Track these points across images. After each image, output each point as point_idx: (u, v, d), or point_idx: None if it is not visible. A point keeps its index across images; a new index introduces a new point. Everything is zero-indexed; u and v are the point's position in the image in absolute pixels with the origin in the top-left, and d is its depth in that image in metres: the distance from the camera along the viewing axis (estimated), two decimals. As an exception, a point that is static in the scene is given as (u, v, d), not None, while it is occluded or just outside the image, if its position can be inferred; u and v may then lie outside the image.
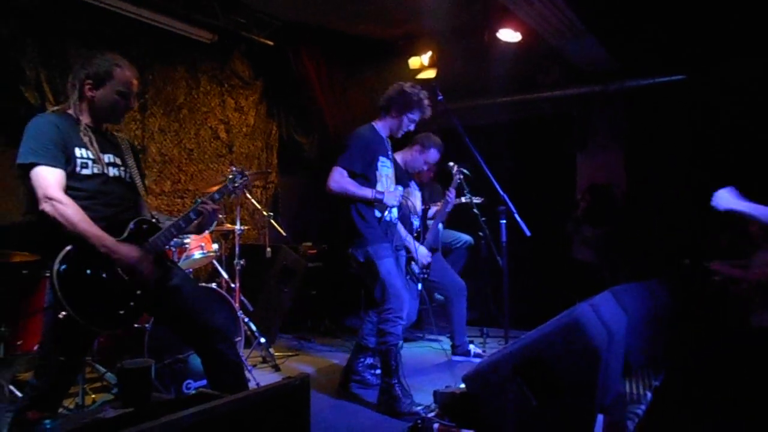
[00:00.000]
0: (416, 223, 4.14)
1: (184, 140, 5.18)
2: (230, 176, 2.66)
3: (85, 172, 2.23)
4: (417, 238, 4.03)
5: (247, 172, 2.75)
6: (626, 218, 5.58)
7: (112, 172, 2.33)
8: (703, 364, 3.34)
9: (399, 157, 4.24)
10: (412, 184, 4.23)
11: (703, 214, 4.97)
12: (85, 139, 2.26)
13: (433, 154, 4.20)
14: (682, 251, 4.85)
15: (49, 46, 4.05)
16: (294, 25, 5.48)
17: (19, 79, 3.86)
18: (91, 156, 2.26)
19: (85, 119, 2.32)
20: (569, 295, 4.33)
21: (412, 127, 3.46)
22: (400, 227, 3.66)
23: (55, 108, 2.37)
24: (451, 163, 4.39)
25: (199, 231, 2.58)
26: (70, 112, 2.31)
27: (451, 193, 4.17)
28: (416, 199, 4.23)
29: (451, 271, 4.38)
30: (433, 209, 4.38)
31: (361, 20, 5.32)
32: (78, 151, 2.23)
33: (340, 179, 3.22)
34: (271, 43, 5.53)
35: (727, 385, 3.03)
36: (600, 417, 2.43)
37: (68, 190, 2.18)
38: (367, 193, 3.23)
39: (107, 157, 2.33)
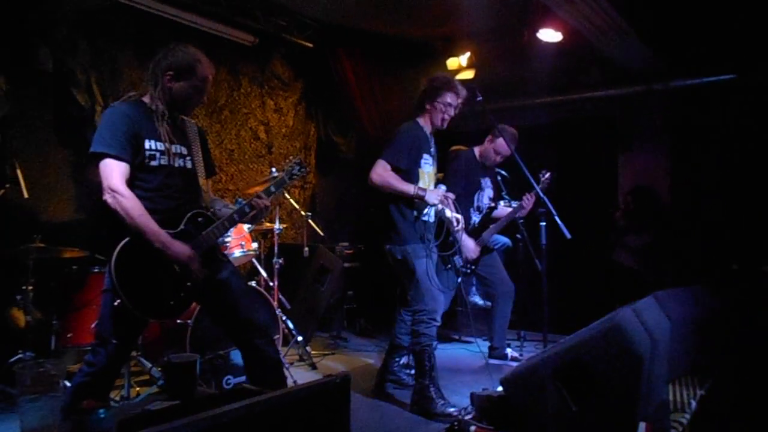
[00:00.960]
0: (475, 218, 4.11)
1: (225, 141, 5.29)
2: (287, 167, 2.61)
3: (153, 163, 2.30)
4: (473, 234, 4.00)
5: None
6: (671, 221, 5.43)
7: (178, 163, 2.39)
8: (751, 372, 3.22)
9: (476, 151, 4.23)
10: (485, 180, 4.20)
11: (751, 218, 4.82)
12: (158, 129, 2.32)
13: (501, 144, 4.09)
14: (730, 255, 4.69)
15: (99, 50, 4.20)
16: (333, 27, 5.53)
17: (70, 82, 4.01)
18: (160, 147, 2.33)
19: (159, 108, 2.36)
20: (610, 300, 4.24)
21: (451, 112, 3.36)
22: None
23: (131, 94, 2.42)
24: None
25: (252, 221, 2.63)
26: (146, 99, 2.38)
27: (529, 198, 4.06)
28: (484, 197, 4.20)
29: (504, 271, 4.31)
30: (503, 209, 4.26)
31: (399, 22, 5.33)
32: (148, 143, 2.29)
33: (383, 172, 3.19)
34: (310, 45, 5.60)
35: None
36: (642, 425, 2.38)
37: (135, 181, 2.27)
38: (409, 189, 3.18)
39: (175, 148, 2.39)
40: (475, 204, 4.14)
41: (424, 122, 3.39)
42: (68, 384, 2.28)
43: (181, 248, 2.25)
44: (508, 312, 4.27)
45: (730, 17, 4.54)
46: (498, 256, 4.32)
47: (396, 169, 3.22)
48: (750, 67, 4.92)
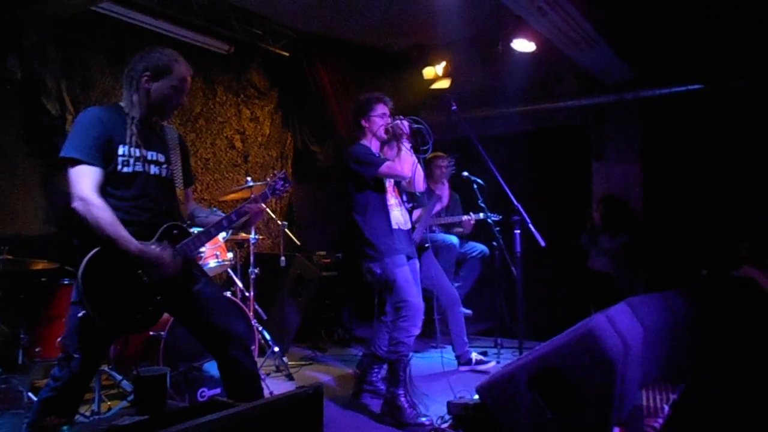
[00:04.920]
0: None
1: (201, 150, 5.24)
2: (271, 182, 2.57)
3: (126, 170, 2.25)
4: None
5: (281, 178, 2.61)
6: (643, 228, 5.52)
7: (153, 170, 2.34)
8: (722, 377, 3.28)
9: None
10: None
11: (721, 224, 4.93)
12: (132, 135, 2.26)
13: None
14: (700, 261, 4.78)
15: (70, 57, 4.13)
16: (309, 36, 5.53)
17: (40, 90, 3.93)
18: (134, 153, 2.27)
19: (134, 112, 2.31)
20: (585, 306, 4.29)
21: (388, 120, 3.36)
22: None
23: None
24: (466, 173, 4.38)
25: (243, 227, 2.62)
26: (122, 104, 2.32)
27: (443, 187, 4.12)
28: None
29: (445, 280, 4.27)
30: (416, 213, 4.21)
31: (375, 31, 5.36)
32: (121, 149, 2.24)
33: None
34: (286, 54, 5.58)
35: (747, 399, 2.98)
36: (616, 430, 2.40)
37: (108, 188, 2.21)
38: None
39: (150, 155, 2.33)
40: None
41: (367, 141, 3.44)
42: (34, 398, 2.22)
43: (156, 251, 2.21)
44: (460, 318, 4.25)
45: (698, 30, 4.66)
46: (435, 262, 4.21)
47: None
48: (717, 77, 5.05)
